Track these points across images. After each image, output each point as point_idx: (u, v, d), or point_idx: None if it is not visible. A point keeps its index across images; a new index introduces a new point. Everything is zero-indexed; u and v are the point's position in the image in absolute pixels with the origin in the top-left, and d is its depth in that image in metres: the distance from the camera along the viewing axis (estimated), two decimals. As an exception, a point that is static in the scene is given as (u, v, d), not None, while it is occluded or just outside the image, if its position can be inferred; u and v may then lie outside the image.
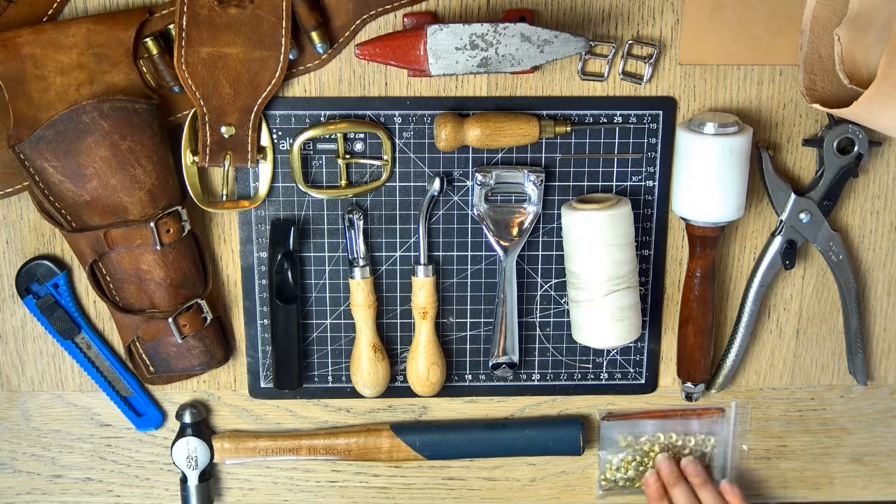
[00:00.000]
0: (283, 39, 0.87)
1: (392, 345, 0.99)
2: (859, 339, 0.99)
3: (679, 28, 0.91)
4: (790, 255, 0.97)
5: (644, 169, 0.95)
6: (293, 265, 0.95)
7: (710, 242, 0.94)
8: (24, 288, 0.96)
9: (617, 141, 0.94)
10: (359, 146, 0.93)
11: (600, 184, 0.96)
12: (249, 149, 0.91)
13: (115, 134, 0.86)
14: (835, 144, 0.94)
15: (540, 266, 0.98)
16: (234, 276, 0.97)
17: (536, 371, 1.01)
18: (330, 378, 1.00)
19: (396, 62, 0.86)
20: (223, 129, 0.90)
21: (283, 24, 0.87)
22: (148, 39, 0.87)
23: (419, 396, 1.01)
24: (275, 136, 0.93)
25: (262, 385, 1.00)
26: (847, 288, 0.98)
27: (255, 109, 0.90)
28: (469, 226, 0.96)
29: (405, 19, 0.90)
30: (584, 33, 0.91)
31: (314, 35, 0.89)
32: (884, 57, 0.78)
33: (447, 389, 1.00)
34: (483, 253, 0.97)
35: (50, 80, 0.86)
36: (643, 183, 0.95)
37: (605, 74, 0.92)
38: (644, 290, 0.98)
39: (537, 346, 1.00)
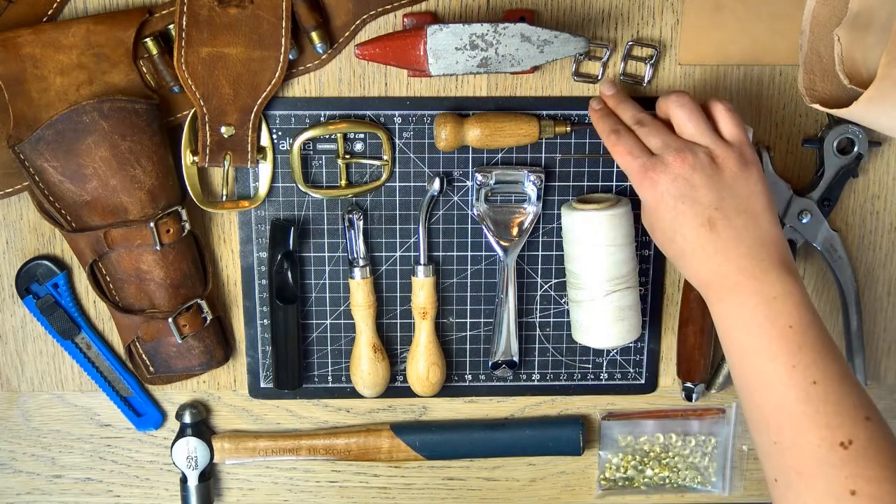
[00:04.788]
0: (283, 39, 0.87)
1: (392, 345, 0.99)
2: (859, 339, 0.99)
3: (679, 28, 0.91)
4: (790, 255, 0.97)
5: (644, 169, 0.95)
6: (293, 265, 0.95)
7: (710, 242, 0.94)
8: (24, 288, 0.96)
9: (617, 141, 0.94)
10: (359, 146, 0.93)
11: (600, 184, 0.96)
12: (249, 149, 0.91)
13: (115, 134, 0.86)
14: (835, 144, 0.94)
15: (540, 266, 0.98)
16: (234, 276, 0.97)
17: (536, 371, 1.01)
18: (330, 378, 1.00)
19: (396, 62, 0.86)
20: (223, 129, 0.90)
21: (283, 24, 0.87)
22: (148, 39, 0.87)
23: (419, 396, 1.01)
24: (275, 136, 0.93)
25: (262, 385, 1.00)
26: (847, 288, 0.98)
27: (255, 109, 0.90)
28: (469, 226, 0.96)
29: (405, 19, 0.90)
30: (584, 34, 0.91)
31: (314, 35, 0.89)
32: (884, 57, 0.78)
33: (447, 389, 1.00)
34: (483, 253, 0.97)
35: (50, 80, 0.86)
36: (643, 183, 0.95)
37: (599, 76, 0.92)
38: (644, 290, 0.98)
39: (537, 346, 1.00)
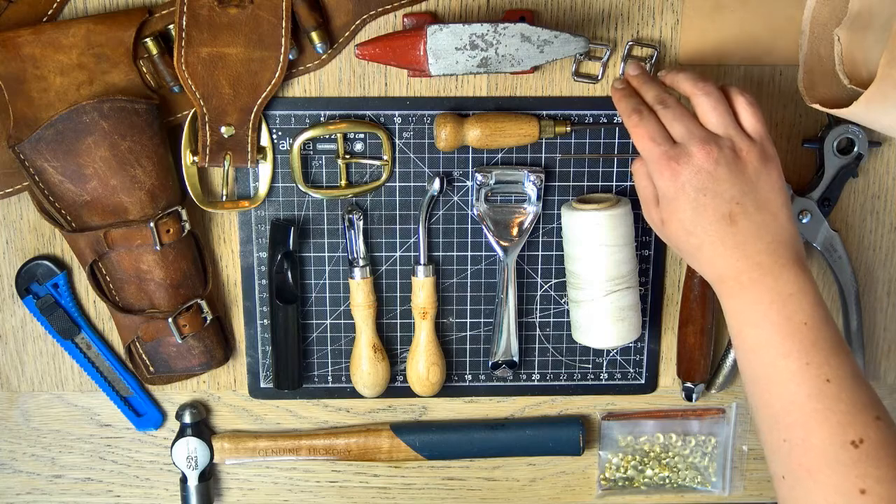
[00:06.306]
0: (283, 39, 0.87)
1: (392, 345, 0.99)
2: (859, 339, 0.99)
3: (679, 28, 0.91)
4: (790, 255, 0.96)
5: (644, 169, 0.95)
6: (293, 265, 0.95)
7: (710, 242, 0.94)
8: (24, 288, 0.96)
9: (617, 141, 0.94)
10: (359, 146, 0.93)
11: (600, 184, 0.96)
12: (249, 149, 0.91)
13: (115, 134, 0.86)
14: (835, 144, 0.94)
15: (540, 266, 0.98)
16: (234, 277, 0.97)
17: (536, 371, 1.01)
18: (330, 378, 1.00)
19: (396, 62, 0.86)
20: (223, 129, 0.90)
21: (283, 24, 0.87)
22: (148, 39, 0.87)
23: (419, 396, 1.01)
24: (275, 136, 0.93)
25: (262, 385, 1.00)
26: (847, 288, 0.98)
27: (255, 109, 0.90)
28: (469, 226, 0.96)
29: (405, 19, 0.90)
30: (584, 34, 0.91)
31: (314, 35, 0.89)
32: (884, 57, 0.78)
33: (447, 389, 1.00)
34: (483, 253, 0.97)
35: (50, 80, 0.86)
36: (643, 183, 0.95)
37: (599, 76, 0.92)
38: (644, 290, 0.98)
39: (537, 346, 1.00)
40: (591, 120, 0.93)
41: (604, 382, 1.02)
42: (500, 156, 0.94)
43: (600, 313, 0.92)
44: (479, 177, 0.94)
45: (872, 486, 0.71)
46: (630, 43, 0.92)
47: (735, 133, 0.80)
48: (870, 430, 0.73)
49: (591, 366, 1.01)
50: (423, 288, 0.96)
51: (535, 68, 0.90)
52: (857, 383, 0.75)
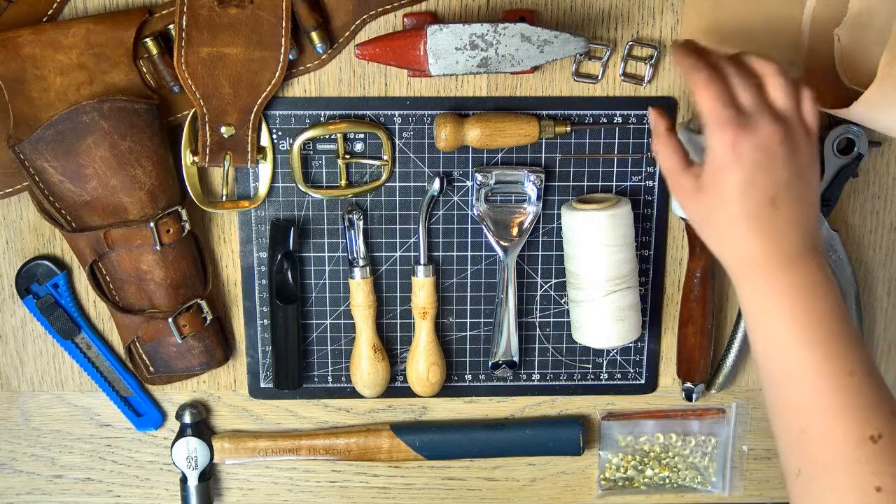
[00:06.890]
0: (283, 39, 0.87)
1: (392, 345, 0.99)
2: (859, 339, 0.99)
3: (679, 28, 0.91)
4: (790, 255, 0.96)
5: (644, 169, 0.95)
6: (293, 265, 0.95)
7: (710, 242, 0.94)
8: (24, 288, 0.96)
9: (617, 141, 0.94)
10: (359, 146, 0.93)
11: (600, 184, 0.96)
12: (249, 149, 0.91)
13: (115, 134, 0.86)
14: (835, 144, 0.94)
15: (540, 266, 0.98)
16: (234, 277, 0.97)
17: (536, 371, 1.01)
18: (330, 378, 1.00)
19: (396, 62, 0.86)
20: (223, 129, 0.90)
21: (283, 24, 0.87)
22: (148, 39, 0.87)
23: (419, 396, 1.01)
24: (275, 136, 0.93)
25: (262, 385, 1.00)
26: (847, 288, 0.98)
27: (255, 109, 0.90)
28: (469, 226, 0.96)
29: (405, 19, 0.90)
30: (584, 34, 0.91)
31: (314, 35, 0.89)
32: (884, 57, 0.78)
33: (447, 389, 1.00)
34: (483, 253, 0.97)
35: (50, 80, 0.86)
36: (643, 183, 0.95)
37: (599, 76, 0.92)
38: (644, 290, 0.98)
39: (537, 346, 1.00)
40: (591, 120, 0.93)
41: (604, 382, 1.02)
42: (500, 156, 0.94)
43: (600, 313, 0.92)
44: (479, 177, 0.94)
45: (888, 483, 0.70)
46: (630, 43, 0.92)
47: (798, 122, 0.78)
48: (889, 425, 0.72)
49: (591, 366, 1.01)
50: (423, 288, 0.96)
51: (535, 68, 0.90)
52: (876, 378, 0.74)
